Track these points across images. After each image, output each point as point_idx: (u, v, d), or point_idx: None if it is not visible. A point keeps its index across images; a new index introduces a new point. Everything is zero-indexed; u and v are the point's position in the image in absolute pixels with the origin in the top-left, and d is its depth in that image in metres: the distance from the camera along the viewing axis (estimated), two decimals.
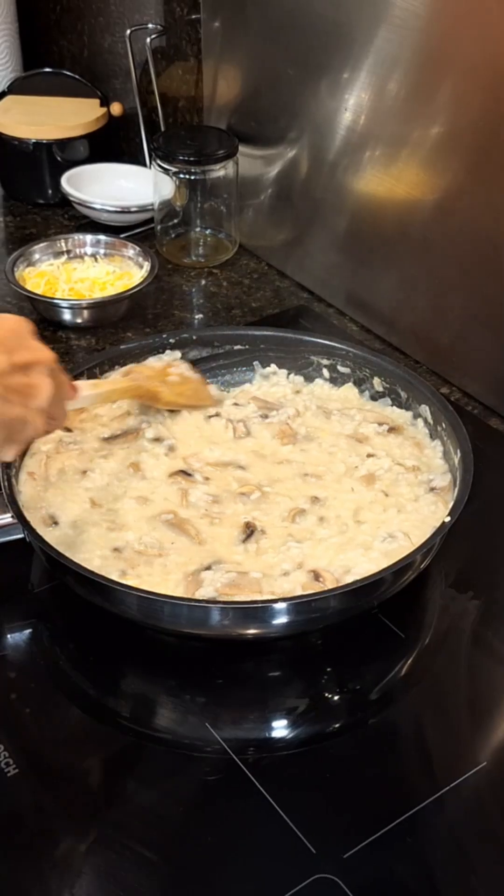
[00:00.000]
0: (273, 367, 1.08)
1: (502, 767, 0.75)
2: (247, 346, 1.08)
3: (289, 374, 1.08)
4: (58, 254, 1.30)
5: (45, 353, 0.76)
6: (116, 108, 1.55)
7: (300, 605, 0.77)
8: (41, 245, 1.30)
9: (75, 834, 0.71)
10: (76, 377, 0.93)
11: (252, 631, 0.80)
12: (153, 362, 1.05)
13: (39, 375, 0.74)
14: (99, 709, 0.80)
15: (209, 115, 1.41)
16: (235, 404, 1.04)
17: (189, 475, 0.93)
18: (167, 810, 0.73)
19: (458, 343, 1.14)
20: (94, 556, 0.85)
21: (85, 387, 0.90)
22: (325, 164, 1.24)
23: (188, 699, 0.81)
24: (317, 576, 0.82)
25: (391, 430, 0.99)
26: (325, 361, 1.07)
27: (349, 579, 0.81)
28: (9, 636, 0.85)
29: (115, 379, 1.01)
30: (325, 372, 1.07)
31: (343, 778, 0.75)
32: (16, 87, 1.59)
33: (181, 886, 0.68)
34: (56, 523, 0.88)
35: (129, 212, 1.42)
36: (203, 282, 1.37)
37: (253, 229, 1.41)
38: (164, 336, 1.07)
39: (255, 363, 1.08)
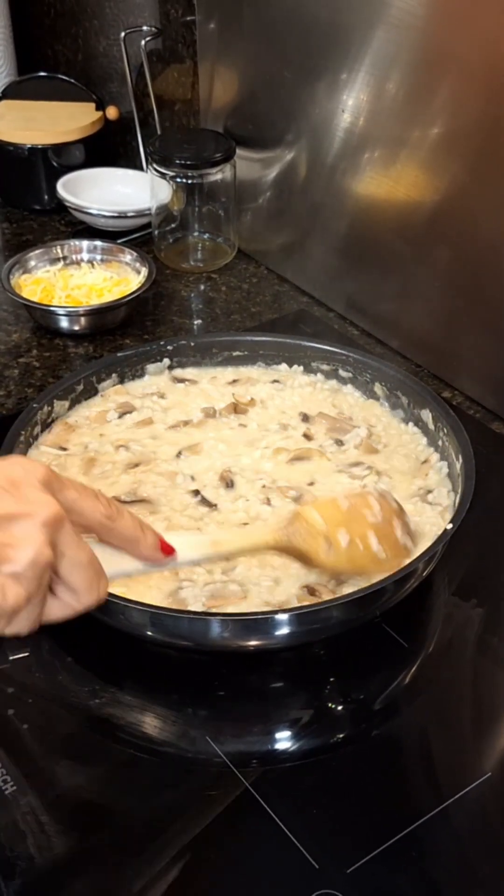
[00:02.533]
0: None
1: None
2: (246, 352, 1.08)
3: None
4: (54, 260, 1.30)
5: (40, 507, 0.58)
6: (112, 112, 1.54)
7: (302, 616, 0.76)
8: (37, 251, 1.29)
9: (73, 850, 0.70)
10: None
11: (253, 642, 0.79)
12: (339, 500, 0.78)
13: (24, 532, 0.57)
14: (98, 723, 0.79)
15: (206, 118, 1.40)
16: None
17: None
18: (167, 825, 0.72)
19: (459, 346, 1.13)
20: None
21: (187, 546, 0.70)
22: (324, 167, 1.23)
23: (189, 712, 0.80)
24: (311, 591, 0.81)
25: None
26: (325, 366, 1.06)
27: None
28: (7, 650, 0.84)
29: (253, 531, 0.79)
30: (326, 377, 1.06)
31: (346, 791, 0.74)
32: (10, 92, 1.58)
33: None
34: None
35: (127, 217, 1.41)
36: (202, 287, 1.36)
37: (252, 233, 1.40)
38: (163, 343, 1.07)
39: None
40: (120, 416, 1.00)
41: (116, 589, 0.74)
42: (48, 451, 0.95)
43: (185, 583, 0.82)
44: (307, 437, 0.98)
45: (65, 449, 0.96)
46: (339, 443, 0.98)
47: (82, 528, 0.63)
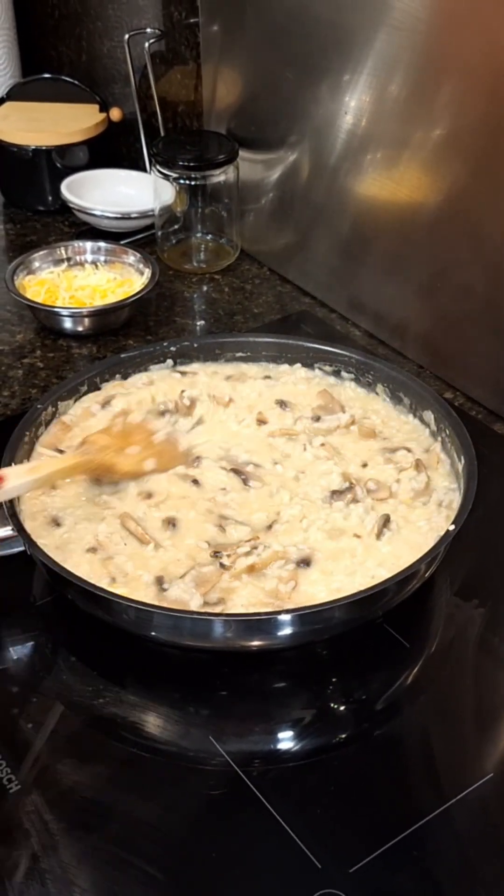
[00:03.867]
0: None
1: None
2: (249, 353, 1.08)
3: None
4: (58, 261, 1.30)
5: None
6: (116, 114, 1.54)
7: (305, 616, 0.77)
8: (41, 253, 1.29)
9: (77, 849, 0.70)
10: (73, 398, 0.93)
11: (256, 642, 0.79)
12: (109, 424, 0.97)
13: None
14: (101, 722, 0.80)
15: (209, 120, 1.40)
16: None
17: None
18: (170, 825, 0.72)
19: (462, 347, 1.13)
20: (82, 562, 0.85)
21: (14, 474, 0.84)
22: (326, 168, 1.23)
23: (191, 711, 0.80)
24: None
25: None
26: (328, 367, 1.06)
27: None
28: (10, 649, 0.84)
29: (59, 457, 0.93)
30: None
31: (348, 791, 0.74)
32: (14, 94, 1.59)
33: None
34: (59, 525, 0.88)
35: (130, 218, 1.42)
36: (204, 288, 1.36)
37: (254, 234, 1.40)
38: (166, 344, 1.07)
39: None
40: (102, 407, 1.01)
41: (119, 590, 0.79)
42: (45, 453, 0.96)
43: (165, 584, 0.82)
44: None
45: (61, 451, 0.96)
46: (317, 419, 1.00)
47: None
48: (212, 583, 0.81)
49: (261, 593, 0.82)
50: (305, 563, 0.84)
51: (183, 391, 1.02)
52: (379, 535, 0.87)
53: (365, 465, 0.95)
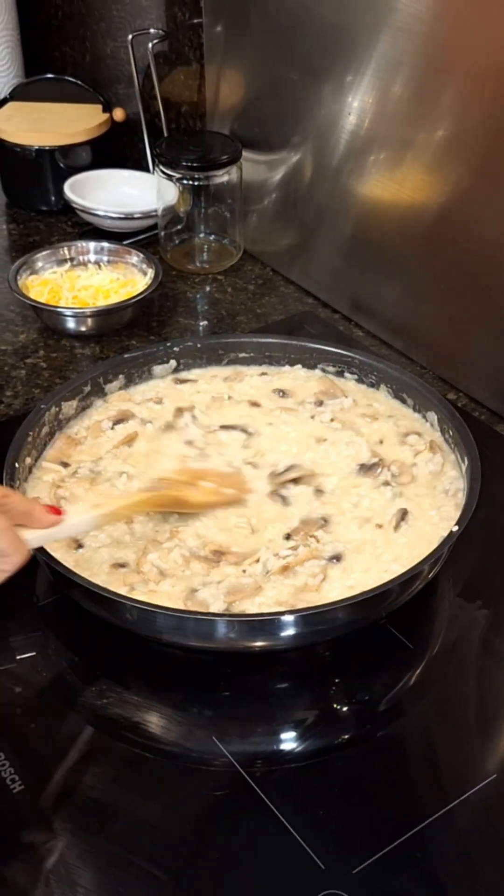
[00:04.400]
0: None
1: None
2: (252, 354, 1.08)
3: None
4: (61, 261, 1.30)
5: None
6: (119, 114, 1.54)
7: (308, 617, 0.77)
8: (44, 253, 1.29)
9: (81, 849, 0.70)
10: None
11: (259, 643, 0.80)
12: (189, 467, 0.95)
13: None
14: (104, 723, 0.80)
15: (212, 121, 1.40)
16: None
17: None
18: (173, 825, 0.72)
19: (465, 348, 1.13)
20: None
21: (76, 510, 0.83)
22: (330, 169, 1.23)
23: (195, 712, 0.80)
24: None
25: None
26: (331, 368, 1.07)
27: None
28: (14, 650, 0.84)
29: (127, 493, 0.90)
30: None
31: (352, 792, 0.74)
32: (18, 94, 1.58)
33: None
34: (81, 547, 0.87)
35: (133, 218, 1.42)
36: (207, 288, 1.36)
37: (257, 235, 1.40)
38: (169, 344, 1.07)
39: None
40: (112, 427, 1.00)
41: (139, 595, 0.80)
42: (50, 467, 0.95)
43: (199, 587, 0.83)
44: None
45: (66, 465, 0.96)
46: (320, 403, 1.01)
47: None
48: (244, 594, 0.81)
49: (286, 591, 0.82)
50: (337, 559, 0.85)
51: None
52: (397, 527, 0.88)
53: (381, 442, 0.97)
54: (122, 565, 0.85)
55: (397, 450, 0.97)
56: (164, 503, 0.88)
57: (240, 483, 0.93)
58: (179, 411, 1.01)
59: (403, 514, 0.89)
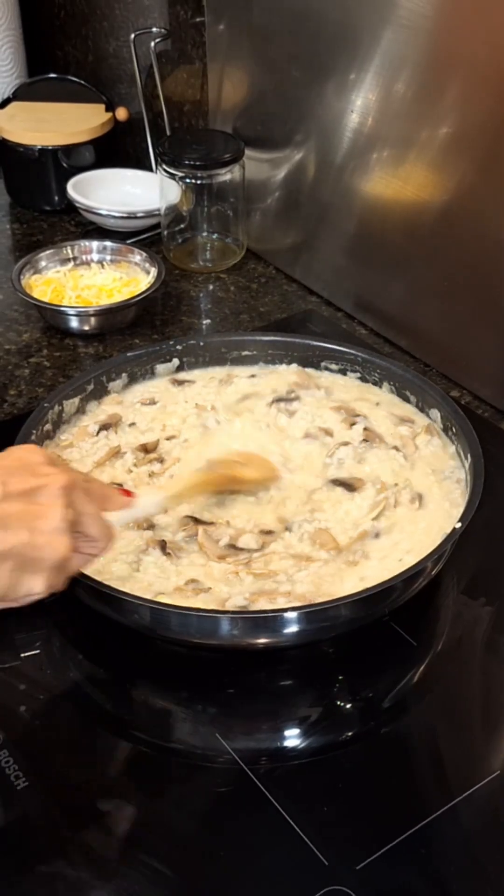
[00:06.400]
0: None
1: None
2: (255, 352, 1.08)
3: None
4: (64, 261, 1.30)
5: (54, 478, 0.70)
6: (122, 113, 1.54)
7: (311, 614, 0.77)
8: (47, 252, 1.30)
9: (84, 847, 0.70)
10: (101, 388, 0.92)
11: (262, 640, 0.80)
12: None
13: (48, 499, 0.69)
14: (109, 720, 0.80)
15: (215, 119, 1.41)
16: None
17: None
18: (177, 822, 0.72)
19: (468, 346, 1.13)
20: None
21: (147, 494, 0.85)
22: (333, 167, 1.23)
23: (199, 709, 0.80)
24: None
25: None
26: (334, 366, 1.07)
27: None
28: (19, 647, 0.84)
29: (188, 475, 0.93)
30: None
31: (355, 788, 0.74)
32: (21, 94, 1.59)
33: None
34: None
35: (136, 217, 1.42)
36: (210, 287, 1.36)
37: (260, 233, 1.40)
38: (172, 343, 1.07)
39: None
40: (97, 433, 0.99)
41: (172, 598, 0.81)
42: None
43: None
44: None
45: None
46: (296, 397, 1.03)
47: None
48: (267, 595, 0.82)
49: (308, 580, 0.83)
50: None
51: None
52: (421, 506, 0.90)
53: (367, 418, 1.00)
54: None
55: (393, 430, 0.99)
56: (222, 482, 0.92)
57: (270, 464, 0.96)
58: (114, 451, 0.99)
59: (420, 497, 0.90)
